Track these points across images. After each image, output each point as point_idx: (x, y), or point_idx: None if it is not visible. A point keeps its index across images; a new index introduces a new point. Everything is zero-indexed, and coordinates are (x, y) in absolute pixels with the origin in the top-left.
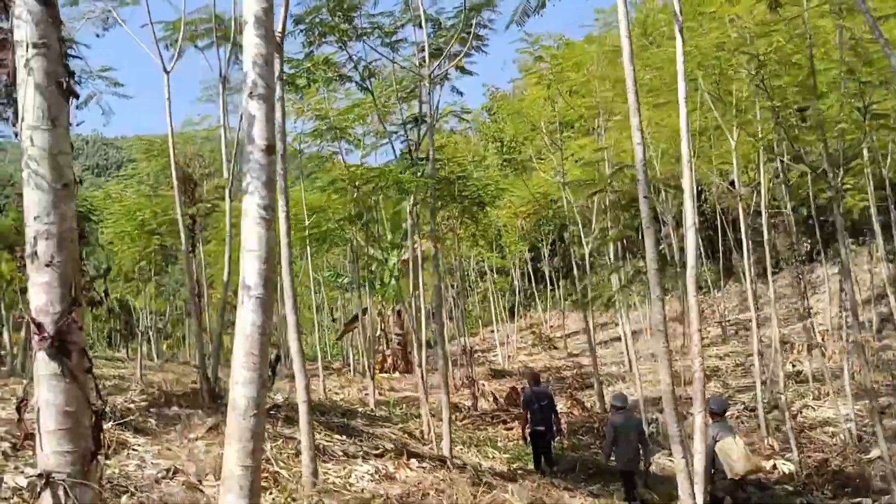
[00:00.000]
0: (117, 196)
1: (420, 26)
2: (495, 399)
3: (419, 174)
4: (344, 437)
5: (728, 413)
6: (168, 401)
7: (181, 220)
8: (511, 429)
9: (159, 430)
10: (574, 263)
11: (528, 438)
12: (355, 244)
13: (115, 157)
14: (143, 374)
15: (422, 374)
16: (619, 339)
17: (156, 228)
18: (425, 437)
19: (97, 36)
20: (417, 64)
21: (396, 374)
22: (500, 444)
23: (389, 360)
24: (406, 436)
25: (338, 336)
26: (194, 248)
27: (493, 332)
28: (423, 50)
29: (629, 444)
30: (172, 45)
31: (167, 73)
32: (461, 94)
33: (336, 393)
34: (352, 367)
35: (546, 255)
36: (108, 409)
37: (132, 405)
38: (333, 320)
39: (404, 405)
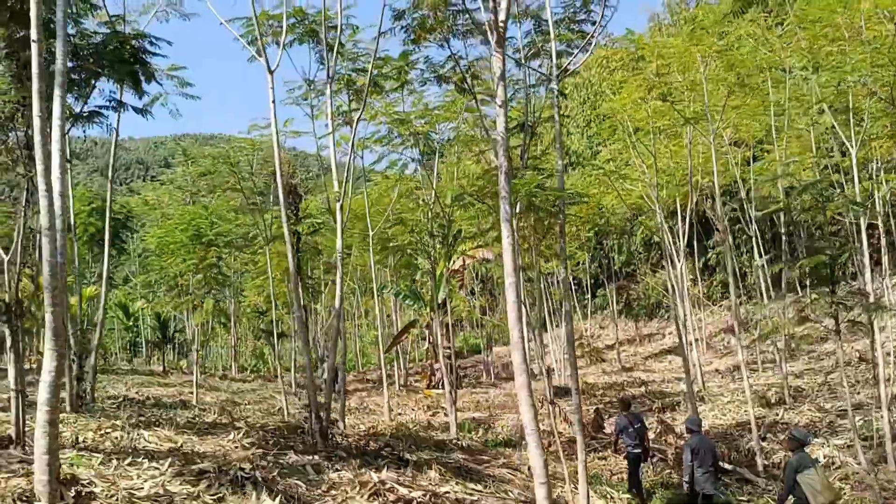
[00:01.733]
0: (154, 202)
1: (519, 22)
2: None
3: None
4: (474, 486)
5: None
6: (277, 444)
7: (288, 238)
8: (605, 458)
9: (312, 497)
10: (616, 271)
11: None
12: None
13: (125, 158)
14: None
15: (551, 402)
16: (670, 351)
17: (213, 240)
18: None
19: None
20: (523, 61)
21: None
22: (605, 478)
23: (438, 375)
24: (519, 474)
25: (387, 348)
26: (300, 269)
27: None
28: (523, 49)
29: (704, 467)
30: (252, 44)
31: (271, 72)
32: (564, 95)
33: (399, 413)
34: (397, 381)
35: (587, 264)
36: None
37: (246, 451)
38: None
39: (480, 429)
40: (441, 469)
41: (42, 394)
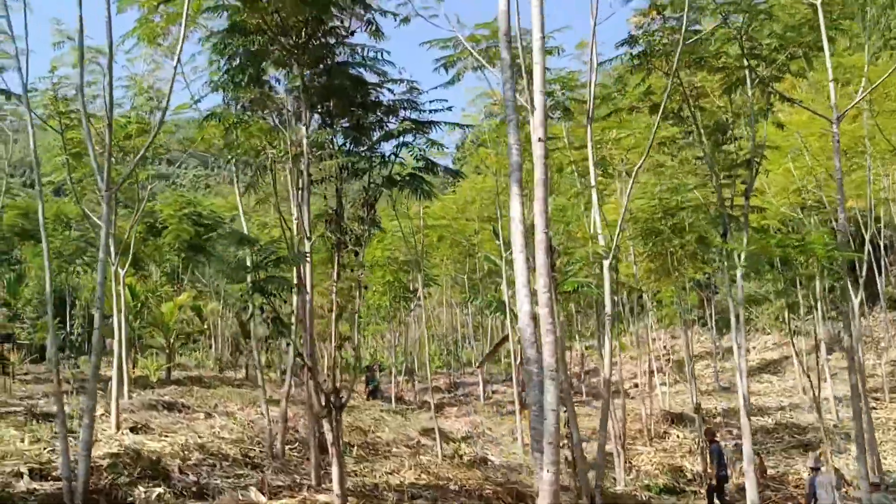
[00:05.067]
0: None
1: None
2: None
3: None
4: None
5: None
6: None
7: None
8: None
9: None
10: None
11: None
12: None
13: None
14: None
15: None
16: (761, 368)
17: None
18: None
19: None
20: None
21: None
22: None
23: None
24: None
25: (479, 362)
26: (570, 326)
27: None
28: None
29: (823, 500)
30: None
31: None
32: (782, 127)
33: (527, 445)
34: (482, 396)
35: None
36: None
37: None
38: None
39: (632, 470)
40: None
41: None
